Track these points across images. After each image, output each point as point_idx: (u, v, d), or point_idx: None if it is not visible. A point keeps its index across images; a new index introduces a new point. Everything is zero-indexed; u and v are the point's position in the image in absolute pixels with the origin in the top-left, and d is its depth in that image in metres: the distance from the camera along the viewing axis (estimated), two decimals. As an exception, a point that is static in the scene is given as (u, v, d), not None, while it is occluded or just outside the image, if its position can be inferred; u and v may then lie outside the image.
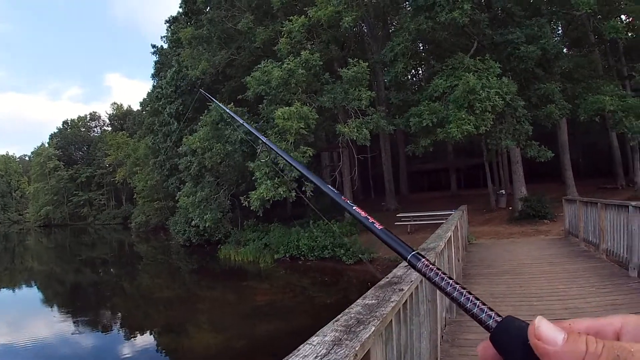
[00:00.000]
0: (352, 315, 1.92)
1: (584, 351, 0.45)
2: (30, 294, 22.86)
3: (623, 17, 22.08)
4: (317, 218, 22.96)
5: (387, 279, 2.72)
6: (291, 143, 19.19)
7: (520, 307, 6.64)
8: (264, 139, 1.52)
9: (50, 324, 15.33)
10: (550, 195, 22.32)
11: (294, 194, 20.18)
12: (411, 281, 2.67)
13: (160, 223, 46.49)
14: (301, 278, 19.86)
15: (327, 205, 26.37)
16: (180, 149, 28.18)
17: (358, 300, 2.18)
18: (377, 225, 0.77)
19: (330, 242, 21.10)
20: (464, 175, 38.80)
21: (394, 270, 2.96)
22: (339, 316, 1.89)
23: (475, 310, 0.57)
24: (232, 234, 27.84)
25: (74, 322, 15.62)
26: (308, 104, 20.94)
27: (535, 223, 20.43)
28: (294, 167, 1.11)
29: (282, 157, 1.22)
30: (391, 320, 2.21)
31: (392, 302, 2.14)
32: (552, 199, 21.41)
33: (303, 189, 19.91)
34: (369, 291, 2.38)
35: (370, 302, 2.15)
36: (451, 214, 12.27)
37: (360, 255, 19.70)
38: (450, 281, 0.62)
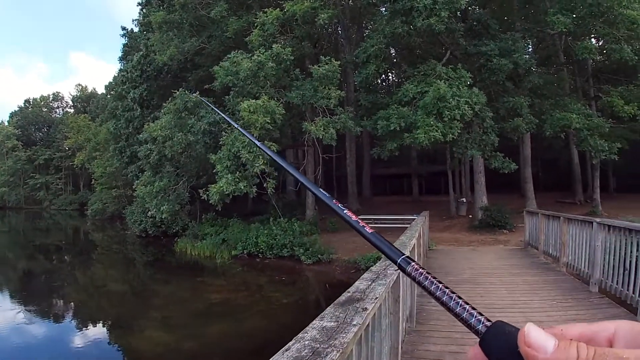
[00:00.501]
0: (307, 342, 1.57)
1: (574, 358, 0.45)
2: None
3: (593, 40, 22.54)
4: (278, 216, 22.57)
5: (349, 294, 2.35)
6: (255, 137, 18.75)
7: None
8: (260, 144, 1.34)
9: (0, 312, 14.58)
10: (510, 206, 22.63)
11: (254, 189, 19.73)
12: (375, 298, 2.30)
13: (117, 212, 45.10)
14: (258, 276, 19.44)
15: (287, 203, 25.97)
16: (141, 136, 27.20)
17: (314, 322, 1.80)
18: (367, 229, 0.72)
19: (290, 241, 20.75)
20: (426, 181, 39.14)
21: (356, 283, 2.59)
22: (290, 344, 1.52)
23: (465, 314, 0.55)
24: (189, 227, 27.07)
25: (25, 311, 14.90)
26: (276, 99, 20.55)
27: (495, 232, 20.66)
28: (288, 170, 0.99)
29: (277, 161, 1.05)
30: (352, 348, 1.84)
31: (354, 325, 1.77)
32: (512, 210, 21.71)
33: (265, 185, 19.50)
34: (327, 309, 2.00)
35: (328, 324, 1.79)
36: (413, 218, 12.14)
37: (319, 256, 19.47)
38: (440, 285, 0.59)
